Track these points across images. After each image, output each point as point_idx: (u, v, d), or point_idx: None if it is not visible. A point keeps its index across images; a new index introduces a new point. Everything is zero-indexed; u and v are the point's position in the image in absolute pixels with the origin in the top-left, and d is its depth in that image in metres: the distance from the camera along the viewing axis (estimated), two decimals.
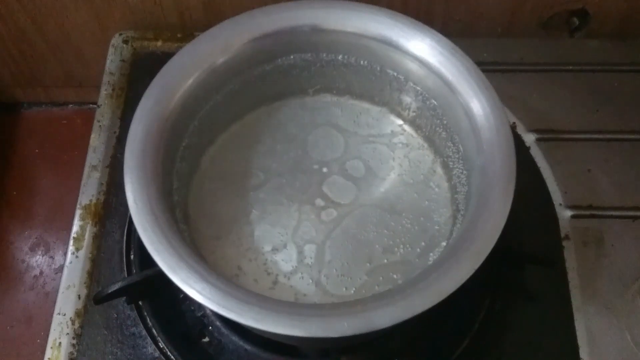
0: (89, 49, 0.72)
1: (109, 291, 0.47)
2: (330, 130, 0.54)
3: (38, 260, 0.72)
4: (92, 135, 0.61)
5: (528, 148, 0.60)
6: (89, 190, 0.58)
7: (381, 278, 0.47)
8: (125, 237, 0.55)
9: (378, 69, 0.52)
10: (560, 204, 0.57)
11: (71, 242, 0.56)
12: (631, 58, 0.65)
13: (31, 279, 0.71)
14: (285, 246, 0.49)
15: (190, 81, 0.47)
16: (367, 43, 0.50)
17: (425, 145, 0.53)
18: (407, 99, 0.53)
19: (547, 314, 0.52)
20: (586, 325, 0.52)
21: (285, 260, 0.48)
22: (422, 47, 0.48)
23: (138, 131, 0.44)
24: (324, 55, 0.52)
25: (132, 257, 0.54)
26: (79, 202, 0.58)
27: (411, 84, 0.51)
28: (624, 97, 0.63)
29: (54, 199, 0.75)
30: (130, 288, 0.48)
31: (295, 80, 0.54)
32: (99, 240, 0.56)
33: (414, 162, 0.53)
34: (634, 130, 0.61)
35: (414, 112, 0.53)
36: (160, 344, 0.50)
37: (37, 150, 0.78)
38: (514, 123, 0.61)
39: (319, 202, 0.51)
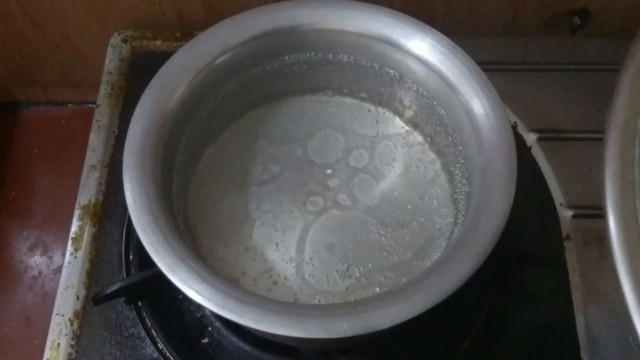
0: (88, 48, 0.72)
1: (108, 292, 0.47)
2: (330, 130, 0.54)
3: (36, 260, 0.71)
4: (91, 135, 0.61)
5: (529, 148, 0.60)
6: (88, 190, 0.58)
7: (382, 278, 0.47)
8: (124, 238, 0.55)
9: (378, 68, 0.52)
10: (562, 204, 0.57)
11: (70, 242, 0.55)
12: None
13: (30, 280, 0.70)
14: (285, 246, 0.49)
15: (189, 80, 0.47)
16: (367, 42, 0.50)
17: (426, 145, 0.53)
18: (408, 99, 0.52)
19: (548, 315, 0.52)
20: (587, 326, 0.52)
21: (285, 261, 0.48)
22: (422, 47, 0.48)
23: (137, 131, 0.44)
24: (324, 54, 0.52)
25: (131, 257, 0.54)
26: (77, 202, 0.57)
27: (412, 84, 0.51)
28: None
29: (53, 199, 0.75)
30: (129, 288, 0.48)
31: (295, 79, 0.54)
32: (97, 240, 0.56)
33: (415, 162, 0.52)
34: None
35: (414, 111, 0.53)
36: (159, 344, 0.50)
37: (35, 150, 0.78)
38: (515, 122, 0.61)
39: (319, 202, 0.51)
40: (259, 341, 0.49)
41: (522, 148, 0.59)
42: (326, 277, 0.47)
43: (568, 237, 0.56)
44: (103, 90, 0.64)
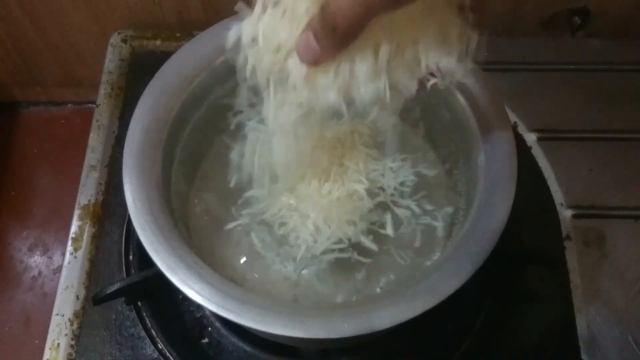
0: (88, 48, 0.72)
1: (108, 292, 0.47)
2: None
3: (36, 260, 0.72)
4: (91, 135, 0.61)
5: (529, 148, 0.60)
6: (88, 190, 0.58)
7: (383, 278, 0.47)
8: (124, 238, 0.55)
9: None
10: (562, 204, 0.57)
11: (70, 242, 0.55)
12: (633, 57, 0.65)
13: (29, 280, 0.70)
14: (285, 247, 0.48)
15: (189, 80, 0.47)
16: None
17: (426, 145, 0.53)
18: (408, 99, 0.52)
19: (549, 315, 0.52)
20: (587, 326, 0.52)
21: (286, 261, 0.48)
22: None
23: (137, 131, 0.44)
24: None
25: (131, 257, 0.54)
26: (77, 202, 0.57)
27: None
28: (625, 96, 0.63)
29: (53, 199, 0.75)
30: (129, 288, 0.48)
31: None
32: (97, 240, 0.56)
33: (415, 162, 0.52)
34: (635, 129, 0.61)
35: (414, 111, 0.53)
36: (159, 344, 0.50)
37: (35, 150, 0.78)
38: (515, 123, 0.61)
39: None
40: (259, 341, 0.49)
41: (522, 148, 0.59)
42: (327, 277, 0.47)
43: (568, 237, 0.56)
44: (103, 90, 0.64)
